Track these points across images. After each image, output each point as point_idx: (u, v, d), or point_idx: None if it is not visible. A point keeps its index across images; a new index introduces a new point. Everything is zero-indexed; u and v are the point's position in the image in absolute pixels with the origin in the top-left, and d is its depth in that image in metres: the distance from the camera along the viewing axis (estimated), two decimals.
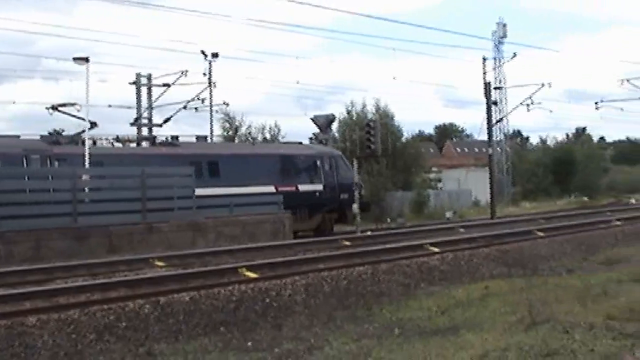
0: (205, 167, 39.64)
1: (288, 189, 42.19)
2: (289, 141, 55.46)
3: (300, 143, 50.34)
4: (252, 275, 21.84)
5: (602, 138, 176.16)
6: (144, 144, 41.36)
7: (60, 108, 38.59)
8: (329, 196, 44.26)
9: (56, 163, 34.71)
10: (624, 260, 28.03)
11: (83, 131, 36.36)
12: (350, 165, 46.36)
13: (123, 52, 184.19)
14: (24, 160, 33.78)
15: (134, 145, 40.78)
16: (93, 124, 37.43)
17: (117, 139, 40.35)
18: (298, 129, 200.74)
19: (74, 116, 38.52)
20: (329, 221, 45.14)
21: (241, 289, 19.47)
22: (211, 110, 58.81)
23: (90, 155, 34.22)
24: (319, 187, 44.42)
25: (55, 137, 36.32)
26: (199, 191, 35.48)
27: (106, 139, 39.92)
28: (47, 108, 40.74)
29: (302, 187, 43.39)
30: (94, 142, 38.22)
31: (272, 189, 41.48)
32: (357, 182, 40.31)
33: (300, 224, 42.26)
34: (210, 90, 57.03)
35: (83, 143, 35.36)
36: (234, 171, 40.36)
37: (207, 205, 35.01)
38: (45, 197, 31.46)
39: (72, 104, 38.14)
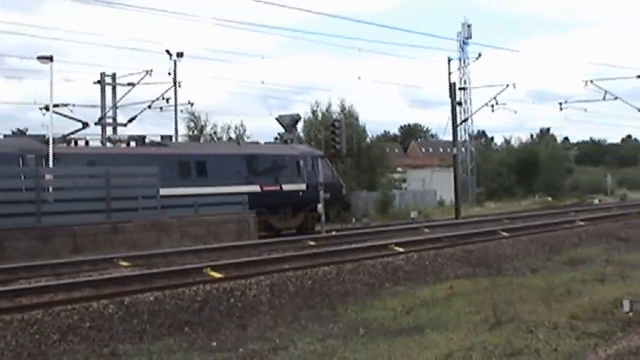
0: (193, 167, 40.31)
1: (272, 188, 43.11)
2: (272, 142, 55.76)
3: (286, 143, 50.66)
4: (216, 275, 21.81)
5: (566, 139, 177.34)
6: (132, 143, 41.45)
7: (54, 109, 38.38)
8: (312, 195, 44.51)
9: (51, 162, 34.61)
10: (587, 260, 28.22)
11: (75, 131, 37.69)
12: (332, 166, 47.86)
13: (88, 51, 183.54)
14: (20, 160, 34.03)
15: (124, 145, 40.91)
16: (85, 124, 38.97)
17: (109, 139, 41.17)
18: (263, 129, 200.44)
19: (66, 116, 39.73)
20: (311, 220, 45.75)
21: (206, 289, 19.43)
22: (176, 110, 58.65)
23: (83, 155, 35.85)
24: (302, 186, 45.10)
25: (49, 137, 36.06)
26: (187, 190, 36.98)
27: (98, 139, 40.95)
28: (40, 108, 43.11)
29: (286, 187, 44.09)
30: (87, 142, 39.09)
31: (257, 188, 42.23)
32: (322, 181, 40.31)
33: (284, 222, 43.72)
34: (175, 90, 56.86)
35: (76, 143, 37.00)
36: (221, 171, 41.04)
37: (172, 205, 34.92)
38: (9, 197, 31.22)
39: (65, 105, 39.80)
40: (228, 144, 49.00)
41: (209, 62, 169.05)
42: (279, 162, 45.01)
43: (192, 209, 35.84)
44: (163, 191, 35.09)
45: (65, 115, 39.82)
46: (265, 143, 52.90)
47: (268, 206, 41.09)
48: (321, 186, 39.83)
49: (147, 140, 41.62)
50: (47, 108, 39.43)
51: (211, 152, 43.84)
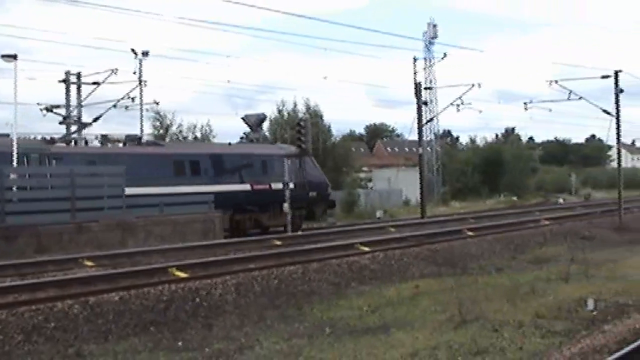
0: (187, 166, 41.43)
1: (262, 187, 44.14)
2: (259, 142, 56.19)
3: (274, 143, 51.60)
4: (182, 275, 21.76)
5: (531, 138, 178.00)
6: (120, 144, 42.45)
7: (54, 109, 41.42)
8: (299, 194, 45.50)
9: (54, 161, 35.62)
10: (552, 259, 28.42)
11: (74, 132, 39.23)
12: (319, 165, 49.69)
13: (52, 49, 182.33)
14: (25, 159, 34.50)
15: (120, 145, 41.89)
16: (85, 124, 40.47)
17: (107, 139, 41.25)
18: (229, 128, 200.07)
19: (64, 117, 41.62)
20: (298, 218, 46.49)
21: (171, 289, 19.41)
22: (141, 109, 58.18)
23: (83, 154, 37.03)
24: (290, 185, 44.53)
25: (51, 137, 37.84)
26: (181, 189, 38.22)
27: (96, 138, 41.16)
28: (41, 109, 44.43)
29: (275, 186, 44.38)
30: (86, 142, 40.46)
31: (248, 187, 43.64)
32: (287, 181, 40.31)
33: (273, 220, 44.60)
34: (141, 89, 56.37)
35: (76, 143, 38.40)
36: (214, 170, 42.27)
37: (137, 205, 34.82)
38: None
39: (62, 106, 40.57)
40: (220, 145, 49.32)
41: (175, 61, 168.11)
42: (268, 161, 45.83)
43: (157, 208, 35.70)
44: (158, 190, 36.66)
45: (63, 116, 41.83)
46: (260, 144, 53.44)
47: (258, 204, 42.39)
48: (287, 186, 39.81)
49: (142, 141, 42.97)
50: (47, 109, 42.55)
51: (205, 152, 44.53)
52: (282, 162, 44.64)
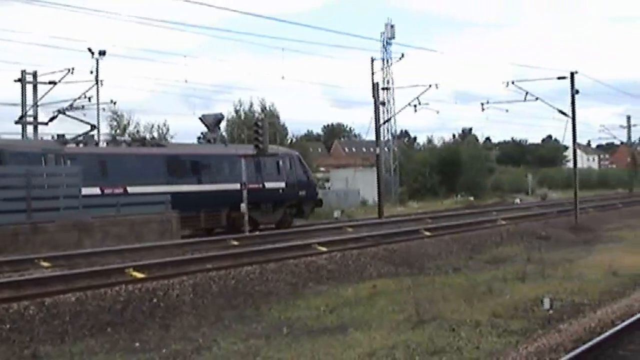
0: (189, 167, 43.42)
1: (256, 186, 45.12)
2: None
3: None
4: (139, 275, 21.69)
5: (488, 139, 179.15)
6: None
7: (67, 112, 43.33)
8: (290, 193, 48.22)
9: (68, 162, 37.01)
10: (508, 259, 28.59)
11: (86, 133, 41.63)
12: (307, 165, 52.20)
13: (8, 48, 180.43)
14: (42, 159, 36.30)
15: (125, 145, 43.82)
16: (93, 127, 42.35)
17: (114, 140, 43.65)
18: (186, 128, 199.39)
19: (81, 120, 43.54)
20: (289, 215, 48.94)
21: (128, 290, 19.31)
22: (98, 109, 57.94)
23: (95, 154, 39.00)
24: (282, 184, 48.01)
25: (64, 138, 39.85)
26: (182, 188, 40.45)
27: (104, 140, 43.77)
28: (54, 112, 47.26)
29: (268, 185, 46.84)
30: (97, 143, 42.65)
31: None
32: (244, 181, 40.27)
33: (265, 217, 46.68)
34: (98, 89, 56.08)
35: (85, 144, 40.03)
36: (212, 170, 44.19)
37: (95, 205, 34.70)
38: None
39: (77, 108, 43.14)
40: (218, 145, 50.07)
41: (132, 61, 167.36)
42: (261, 161, 46.77)
43: (114, 208, 35.53)
44: (161, 188, 38.79)
45: (79, 119, 43.83)
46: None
47: (252, 202, 42.86)
48: (244, 186, 39.87)
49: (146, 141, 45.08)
50: (59, 111, 45.04)
51: (204, 153, 45.95)
52: (275, 163, 47.47)
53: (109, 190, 37.74)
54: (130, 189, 38.46)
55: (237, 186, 41.47)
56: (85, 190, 34.69)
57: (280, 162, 48.48)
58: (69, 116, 44.66)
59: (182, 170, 42.84)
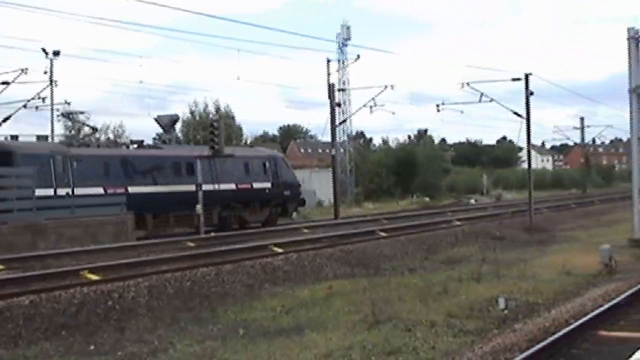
0: (184, 167, 44.28)
1: (245, 186, 47.72)
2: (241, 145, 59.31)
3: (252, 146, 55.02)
4: (94, 277, 21.58)
5: (443, 140, 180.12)
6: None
7: (71, 115, 44.79)
8: (275, 192, 50.02)
9: (75, 163, 38.06)
10: (464, 259, 28.72)
11: (88, 135, 43.78)
12: (291, 166, 54.87)
13: None
14: (51, 160, 36.95)
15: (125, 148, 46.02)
16: (94, 129, 43.89)
17: (115, 143, 45.15)
18: (142, 129, 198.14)
19: (83, 123, 45.30)
20: (275, 214, 50.64)
21: (83, 292, 19.18)
22: (52, 110, 57.62)
23: (100, 156, 40.35)
24: (268, 185, 49.61)
25: (69, 140, 42.10)
26: (180, 188, 42.48)
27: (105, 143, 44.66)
28: (57, 115, 49.03)
29: (256, 185, 48.62)
30: (98, 146, 43.68)
31: (232, 186, 46.84)
32: (200, 182, 40.20)
33: (253, 216, 48.66)
34: (52, 89, 55.83)
35: (88, 145, 41.73)
36: (207, 171, 44.27)
37: (48, 207, 34.49)
38: None
39: (82, 112, 44.40)
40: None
41: (86, 61, 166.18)
42: (249, 163, 49.06)
43: (68, 210, 35.30)
44: (163, 188, 41.60)
45: (82, 123, 45.73)
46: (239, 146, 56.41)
47: (241, 202, 46.72)
48: (200, 187, 39.88)
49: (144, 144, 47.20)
50: (63, 115, 46.93)
51: (197, 155, 45.77)
52: (261, 164, 49.82)
53: (112, 190, 39.26)
54: (130, 189, 40.05)
55: (231, 186, 45.34)
56: (89, 191, 37.52)
57: (267, 164, 50.16)
58: (70, 119, 45.57)
59: (181, 171, 44.10)
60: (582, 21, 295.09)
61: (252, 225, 47.27)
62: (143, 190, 40.47)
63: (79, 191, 37.09)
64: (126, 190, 39.62)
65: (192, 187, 41.38)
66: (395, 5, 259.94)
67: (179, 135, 66.96)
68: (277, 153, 56.25)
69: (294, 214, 57.51)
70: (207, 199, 41.32)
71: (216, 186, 44.82)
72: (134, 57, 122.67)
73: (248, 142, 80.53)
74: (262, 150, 54.81)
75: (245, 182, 47.86)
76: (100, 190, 38.65)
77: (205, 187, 41.34)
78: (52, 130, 57.79)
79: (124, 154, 42.93)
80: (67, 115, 45.96)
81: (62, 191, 36.57)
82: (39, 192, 34.31)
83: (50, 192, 35.79)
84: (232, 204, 46.42)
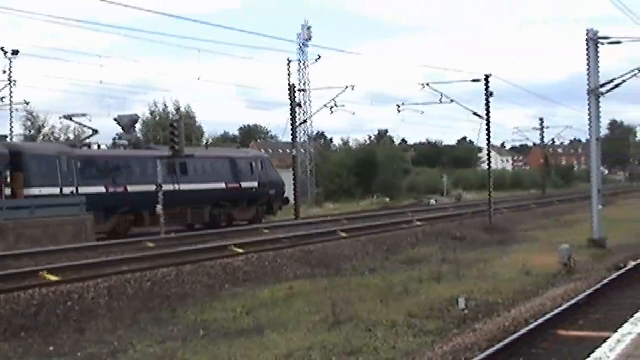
0: (177, 167, 45.32)
1: (234, 185, 49.62)
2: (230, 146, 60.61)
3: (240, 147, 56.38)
4: (53, 278, 21.44)
5: (403, 140, 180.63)
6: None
7: (74, 118, 45.93)
8: (262, 191, 51.77)
9: (78, 163, 39.74)
10: (424, 260, 28.78)
11: (89, 137, 44.81)
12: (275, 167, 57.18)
13: None
14: (57, 161, 38.57)
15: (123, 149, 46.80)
16: (95, 131, 44.61)
17: (114, 144, 46.11)
18: (102, 129, 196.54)
19: (85, 126, 46.04)
20: (261, 212, 52.62)
21: (42, 293, 19.08)
22: (11, 109, 57.32)
23: (101, 157, 42.55)
24: (255, 184, 51.31)
25: (73, 141, 43.91)
26: (175, 187, 43.81)
27: (105, 144, 46.08)
28: (60, 118, 50.84)
29: (244, 184, 50.42)
30: (99, 147, 44.74)
31: (223, 185, 48.83)
32: (160, 182, 40.11)
33: (242, 214, 50.51)
34: (11, 89, 55.61)
35: (89, 147, 43.67)
36: (198, 171, 47.17)
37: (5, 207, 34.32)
38: None
39: (84, 115, 44.70)
40: (199, 149, 54.42)
41: (46, 61, 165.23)
42: (238, 163, 50.92)
43: (27, 210, 35.03)
44: (165, 187, 41.13)
45: (84, 125, 46.28)
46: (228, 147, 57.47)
47: (231, 200, 48.79)
48: (160, 188, 39.82)
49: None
50: (66, 117, 47.24)
51: (189, 155, 46.71)
52: (249, 164, 51.49)
53: (113, 189, 41.14)
54: (130, 189, 41.99)
55: (221, 185, 47.83)
56: (91, 190, 39.10)
57: (253, 164, 51.91)
58: (73, 121, 46.28)
59: (179, 171, 45.28)
60: (541, 22, 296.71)
61: (215, 226, 47.21)
62: (140, 190, 41.95)
63: (82, 190, 38.65)
64: (126, 189, 41.75)
65: (185, 187, 44.45)
66: (357, 6, 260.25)
67: (139, 135, 66.69)
68: (262, 154, 58.54)
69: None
70: (201, 198, 44.63)
71: (209, 185, 46.92)
72: (93, 57, 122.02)
73: (209, 142, 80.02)
74: (249, 151, 57.30)
75: (234, 182, 49.62)
76: (102, 190, 40.43)
77: (198, 186, 44.81)
78: (11, 130, 57.51)
79: (123, 155, 44.42)
80: (69, 117, 45.92)
81: (67, 190, 38.26)
82: (46, 191, 36.70)
83: (56, 191, 37.64)
84: (222, 202, 48.25)
